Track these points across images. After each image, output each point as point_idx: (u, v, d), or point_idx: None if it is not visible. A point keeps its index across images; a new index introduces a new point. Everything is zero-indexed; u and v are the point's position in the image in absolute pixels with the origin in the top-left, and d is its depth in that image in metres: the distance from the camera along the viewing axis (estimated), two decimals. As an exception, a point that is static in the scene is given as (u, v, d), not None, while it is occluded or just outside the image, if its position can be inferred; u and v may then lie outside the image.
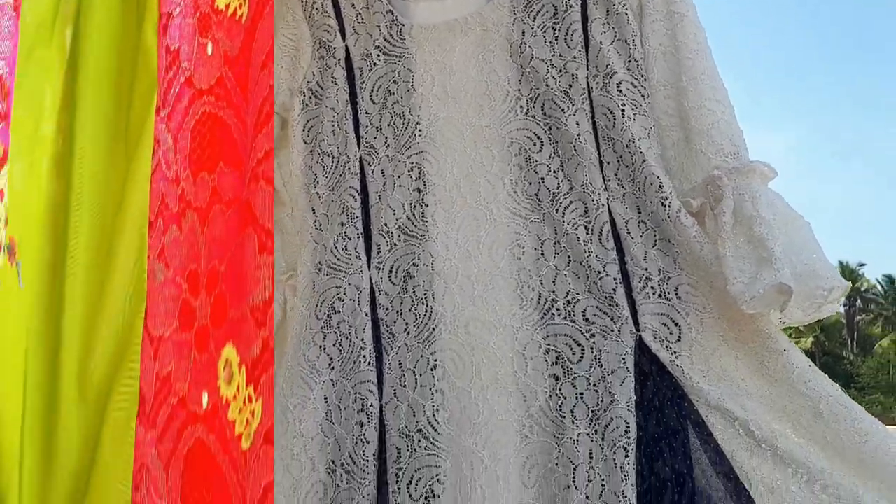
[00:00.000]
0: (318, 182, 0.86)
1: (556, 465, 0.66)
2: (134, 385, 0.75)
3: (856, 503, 0.58)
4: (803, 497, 0.59)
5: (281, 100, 0.89)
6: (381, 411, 0.73)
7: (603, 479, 0.63)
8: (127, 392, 0.76)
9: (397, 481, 0.70)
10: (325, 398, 0.76)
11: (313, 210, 0.86)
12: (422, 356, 0.74)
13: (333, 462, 0.73)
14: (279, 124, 0.91)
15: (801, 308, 0.62)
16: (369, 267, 0.80)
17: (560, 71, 0.77)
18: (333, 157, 0.86)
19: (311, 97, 0.89)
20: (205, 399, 0.64)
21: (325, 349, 0.78)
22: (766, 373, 0.63)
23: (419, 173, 0.81)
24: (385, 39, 0.87)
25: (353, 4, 0.90)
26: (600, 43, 0.76)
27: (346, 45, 0.89)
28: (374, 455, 0.71)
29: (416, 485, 0.69)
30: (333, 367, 0.77)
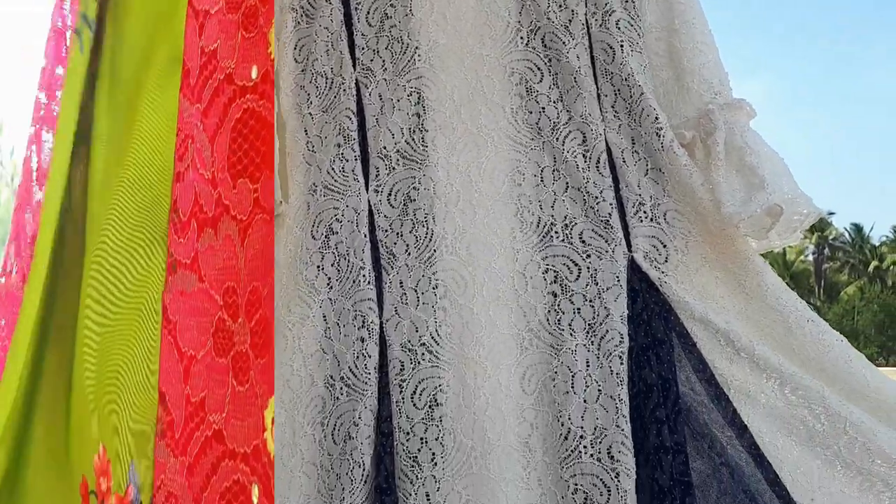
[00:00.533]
0: (310, 102, 0.85)
1: (556, 373, 0.72)
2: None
3: (822, 403, 0.67)
4: (776, 398, 0.68)
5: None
6: (381, 328, 0.76)
7: (599, 385, 0.69)
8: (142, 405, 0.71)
9: (401, 392, 0.73)
10: (324, 316, 0.78)
11: (305, 131, 0.85)
12: (423, 276, 0.76)
13: (332, 377, 0.76)
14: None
15: (778, 232, 0.69)
16: (367, 189, 0.81)
17: (560, 6, 0.80)
18: (327, 78, 0.85)
19: (302, 15, 0.87)
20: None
21: (322, 269, 0.79)
22: (743, 290, 0.71)
23: (418, 98, 0.82)
24: (383, -44, 0.86)
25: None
26: (600, -21, 0.79)
27: (340, -39, 0.87)
28: (374, 368, 0.74)
29: (420, 395, 0.73)
30: (332, 287, 0.79)
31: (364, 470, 0.71)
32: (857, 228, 48.49)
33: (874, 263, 45.81)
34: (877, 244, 47.99)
